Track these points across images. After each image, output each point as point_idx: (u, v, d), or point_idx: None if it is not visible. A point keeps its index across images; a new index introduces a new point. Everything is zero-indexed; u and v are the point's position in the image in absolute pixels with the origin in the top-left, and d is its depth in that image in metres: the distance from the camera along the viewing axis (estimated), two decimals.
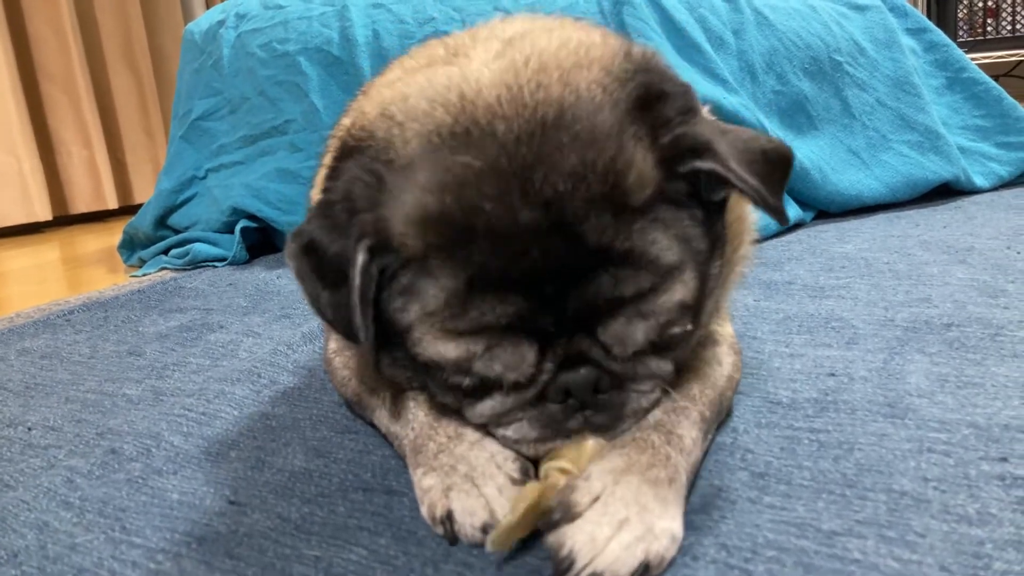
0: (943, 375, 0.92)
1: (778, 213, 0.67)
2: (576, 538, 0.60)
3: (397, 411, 0.82)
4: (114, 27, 3.69)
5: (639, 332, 0.65)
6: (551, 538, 0.61)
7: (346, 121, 0.91)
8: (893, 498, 0.67)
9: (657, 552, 0.60)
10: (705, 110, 0.72)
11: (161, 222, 2.29)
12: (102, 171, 3.55)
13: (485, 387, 0.69)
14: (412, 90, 0.69)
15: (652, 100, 0.67)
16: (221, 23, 2.30)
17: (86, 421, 1.04)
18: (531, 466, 0.72)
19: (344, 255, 0.65)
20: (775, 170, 0.67)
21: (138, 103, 3.80)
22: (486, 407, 0.70)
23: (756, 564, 0.60)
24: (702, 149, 0.65)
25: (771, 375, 0.97)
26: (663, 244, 0.64)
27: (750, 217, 0.83)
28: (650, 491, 0.64)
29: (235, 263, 2.04)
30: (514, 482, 0.68)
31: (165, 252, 2.18)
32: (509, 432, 0.71)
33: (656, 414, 0.73)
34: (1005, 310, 1.13)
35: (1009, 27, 4.62)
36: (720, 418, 0.82)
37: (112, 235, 2.93)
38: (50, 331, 1.53)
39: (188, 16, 4.00)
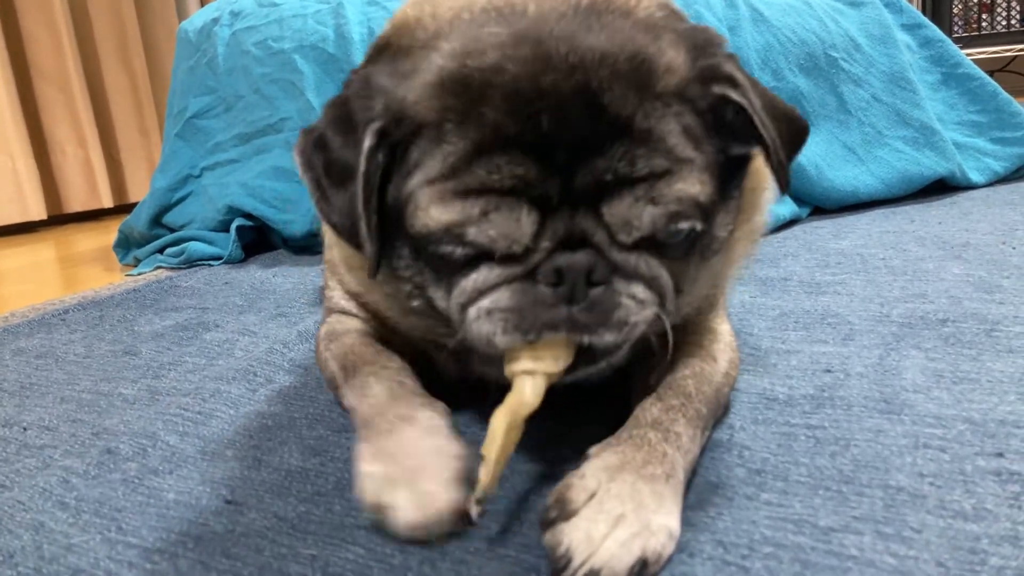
0: (939, 371, 0.92)
1: (784, 173, 0.68)
2: (572, 536, 0.60)
3: (359, 385, 0.80)
4: (108, 25, 3.68)
5: (646, 215, 0.62)
6: (547, 536, 0.61)
7: None
8: (889, 494, 0.67)
9: (654, 549, 0.60)
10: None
11: (156, 221, 2.28)
12: (97, 170, 3.54)
13: (476, 259, 0.65)
14: None
15: (701, 37, 0.68)
16: (215, 21, 2.29)
17: (82, 421, 1.03)
18: (476, 460, 0.66)
19: (353, 146, 0.65)
20: (793, 135, 0.69)
21: (132, 101, 3.79)
22: (469, 281, 0.65)
23: (753, 561, 0.60)
24: (737, 83, 0.66)
25: (768, 371, 0.97)
26: (681, 138, 0.63)
27: (765, 194, 0.82)
28: (646, 487, 0.63)
29: (231, 262, 2.03)
30: (457, 479, 0.64)
31: (160, 251, 2.17)
32: (485, 302, 0.65)
33: (654, 412, 0.72)
34: (1000, 305, 1.13)
35: (1004, 22, 4.63)
36: (717, 415, 0.81)
37: (107, 234, 2.92)
38: (45, 330, 1.53)
39: (182, 14, 4.00)
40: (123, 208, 3.59)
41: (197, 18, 2.40)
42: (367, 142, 0.64)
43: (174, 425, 0.98)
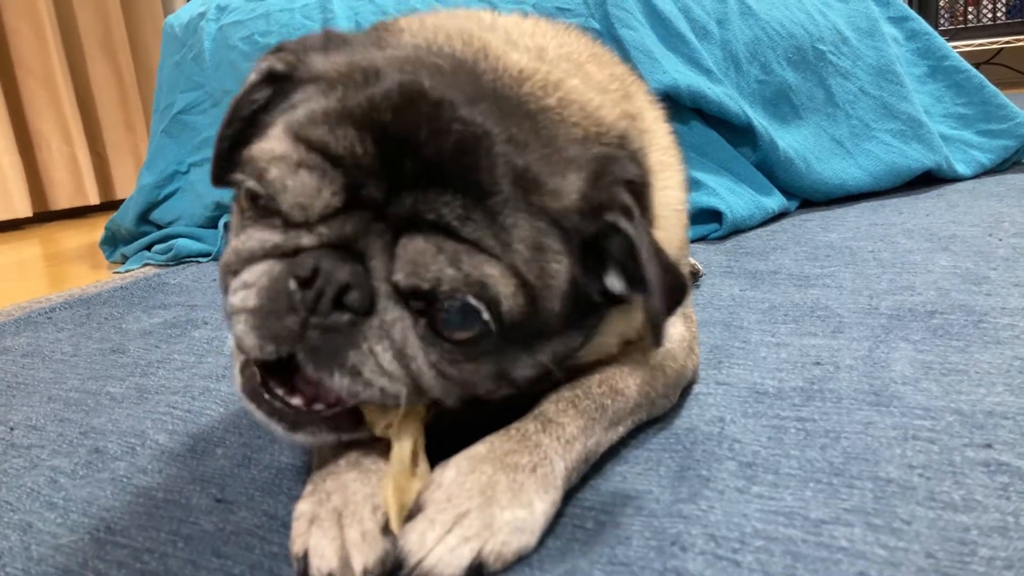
0: (927, 362, 0.93)
1: (659, 320, 0.62)
2: (409, 536, 0.59)
3: None
4: (93, 19, 3.64)
5: (433, 268, 0.57)
6: (401, 531, 0.60)
7: None
8: (879, 486, 0.67)
9: (493, 549, 0.58)
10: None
11: (143, 217, 2.27)
12: (83, 166, 3.51)
13: (270, 211, 0.62)
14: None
15: (617, 160, 0.64)
16: (202, 15, 2.27)
17: (69, 420, 1.02)
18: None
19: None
20: (673, 286, 0.64)
21: (118, 97, 3.76)
22: (251, 235, 0.62)
23: (744, 554, 0.60)
24: (631, 215, 0.62)
25: (757, 364, 0.97)
26: (520, 243, 0.58)
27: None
28: (504, 478, 0.62)
29: (219, 258, 2.02)
30: (381, 527, 0.61)
31: (148, 248, 2.16)
32: (236, 300, 0.61)
33: (544, 404, 0.71)
34: (988, 297, 1.14)
35: (990, 15, 4.65)
36: (642, 411, 0.79)
37: (94, 231, 2.90)
38: (32, 329, 1.51)
39: (168, 8, 3.96)
40: (110, 205, 3.56)
41: (183, 12, 2.38)
42: (252, 77, 0.67)
43: (163, 423, 0.98)
